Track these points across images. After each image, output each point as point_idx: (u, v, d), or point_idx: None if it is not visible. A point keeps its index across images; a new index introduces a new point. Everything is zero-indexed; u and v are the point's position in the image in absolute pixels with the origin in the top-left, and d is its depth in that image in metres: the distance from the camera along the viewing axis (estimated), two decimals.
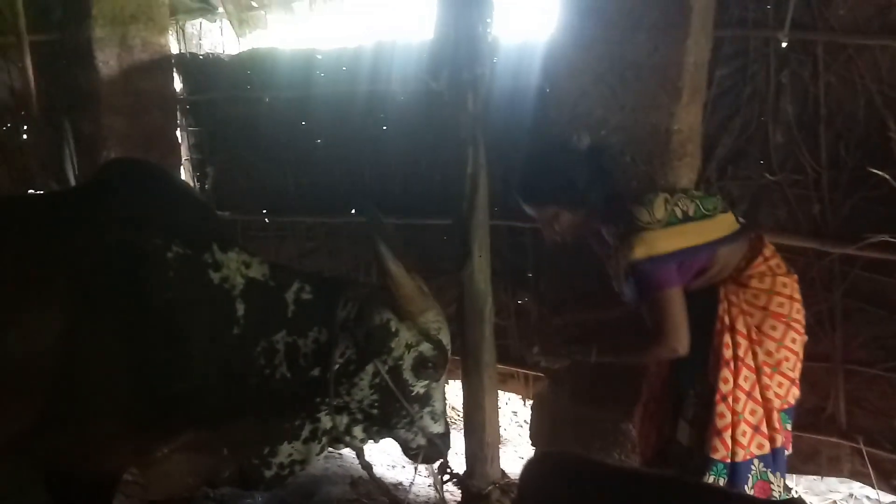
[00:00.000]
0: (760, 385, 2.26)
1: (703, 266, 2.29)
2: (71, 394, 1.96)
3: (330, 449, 3.78)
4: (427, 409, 2.19)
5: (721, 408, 2.22)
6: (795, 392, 2.34)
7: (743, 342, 2.25)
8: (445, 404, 2.28)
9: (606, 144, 2.22)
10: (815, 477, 3.09)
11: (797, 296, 2.34)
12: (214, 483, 2.33)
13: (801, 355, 2.33)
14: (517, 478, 2.45)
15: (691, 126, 2.75)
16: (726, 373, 2.24)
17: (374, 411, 2.14)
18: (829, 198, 2.75)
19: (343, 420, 2.16)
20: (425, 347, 2.12)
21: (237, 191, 4.42)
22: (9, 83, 4.06)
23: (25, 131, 4.17)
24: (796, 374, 2.33)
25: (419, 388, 2.14)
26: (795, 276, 2.38)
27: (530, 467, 1.66)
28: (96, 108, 4.17)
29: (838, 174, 2.72)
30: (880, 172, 2.46)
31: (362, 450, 2.26)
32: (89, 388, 1.98)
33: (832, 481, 3.17)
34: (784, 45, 2.72)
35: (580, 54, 2.78)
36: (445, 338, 2.17)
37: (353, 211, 4.10)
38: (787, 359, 2.28)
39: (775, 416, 2.27)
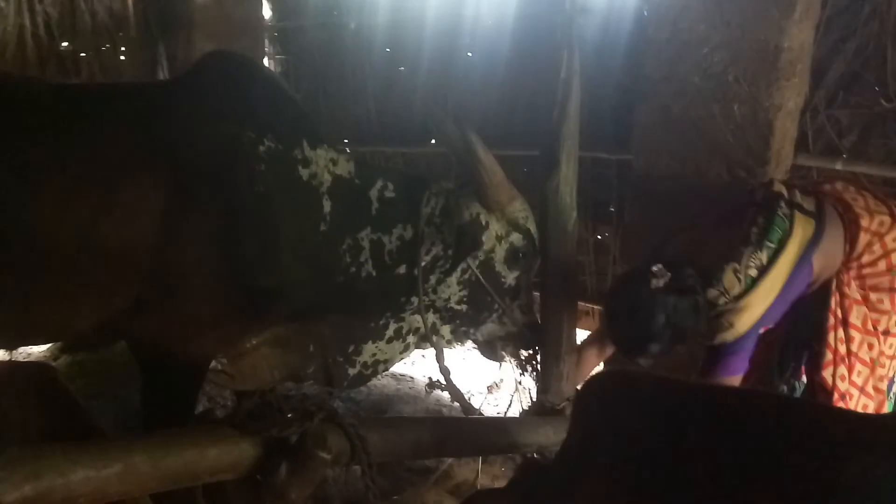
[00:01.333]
0: (875, 377, 2.14)
1: (806, 285, 2.13)
2: (165, 277, 2.01)
3: (401, 372, 3.91)
4: (517, 302, 2.23)
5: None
6: None
7: (857, 335, 2.12)
8: (534, 296, 2.29)
9: (684, 276, 2.00)
10: None
11: None
12: (299, 378, 2.38)
13: None
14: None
15: (802, 44, 2.57)
16: (843, 370, 2.12)
17: (463, 307, 2.13)
18: None
19: (430, 319, 2.16)
20: (515, 238, 2.12)
21: (320, 120, 4.45)
22: (108, 4, 4.19)
23: (123, 52, 4.30)
24: None
25: (510, 279, 2.15)
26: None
27: (589, 384, 1.56)
28: (189, 33, 4.26)
29: None
30: None
31: (443, 352, 2.24)
32: (182, 272, 2.03)
33: None
34: None
35: None
36: (533, 227, 2.17)
37: (432, 141, 4.08)
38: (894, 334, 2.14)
39: (885, 406, 2.16)
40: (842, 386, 2.11)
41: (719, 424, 1.25)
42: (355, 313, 2.21)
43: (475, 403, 3.44)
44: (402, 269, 2.11)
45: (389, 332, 2.23)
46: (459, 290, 2.12)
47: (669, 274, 2.01)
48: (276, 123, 2.12)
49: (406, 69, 4.03)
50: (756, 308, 2.07)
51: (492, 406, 3.27)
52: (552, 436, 2.14)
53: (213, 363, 2.26)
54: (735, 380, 2.11)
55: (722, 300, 2.05)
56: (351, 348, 2.25)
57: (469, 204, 2.09)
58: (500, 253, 2.13)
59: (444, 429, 1.90)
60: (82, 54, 4.17)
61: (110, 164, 1.99)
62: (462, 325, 2.23)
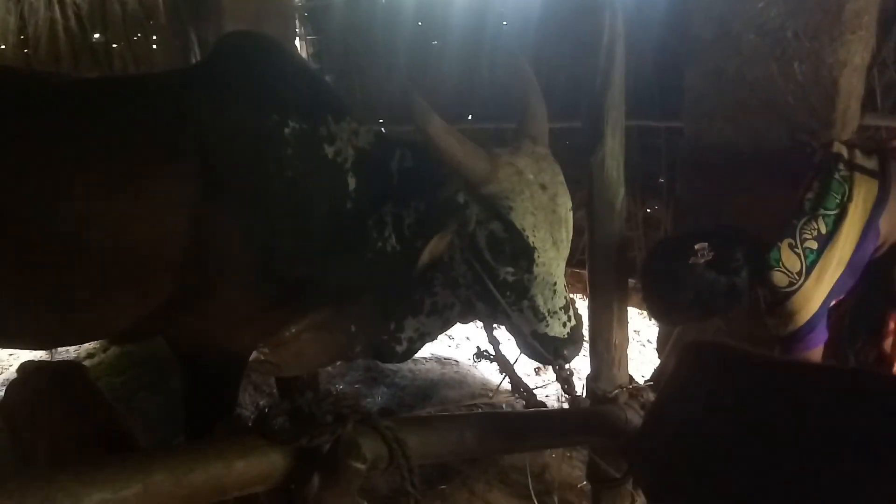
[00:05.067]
0: None
1: (874, 249, 1.98)
2: (200, 270, 1.96)
3: (445, 355, 3.83)
4: (526, 303, 1.91)
5: None
6: None
7: None
8: (557, 304, 1.92)
9: (731, 258, 1.90)
10: None
11: None
12: (347, 358, 2.34)
13: None
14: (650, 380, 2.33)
15: None
16: None
17: (478, 288, 1.94)
18: None
19: (461, 293, 2.03)
20: (496, 226, 1.85)
21: (354, 101, 4.35)
22: None
23: (154, 41, 4.27)
24: None
25: (505, 274, 1.89)
26: None
27: (685, 354, 1.52)
28: (219, 18, 4.18)
29: None
30: None
31: (490, 326, 2.12)
32: (218, 265, 1.98)
33: None
34: None
35: None
36: (522, 221, 1.83)
37: (468, 117, 3.94)
38: None
39: None
40: None
41: (802, 400, 1.35)
42: (389, 290, 2.12)
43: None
44: (420, 244, 1.97)
45: (427, 307, 2.13)
46: (466, 270, 1.94)
47: (713, 254, 1.92)
48: (299, 102, 2.04)
49: (438, 43, 3.89)
50: (825, 283, 1.93)
51: (540, 390, 3.16)
52: (604, 429, 2.03)
53: (255, 353, 2.23)
54: (817, 353, 2.00)
55: (785, 281, 1.90)
56: (393, 325, 2.17)
57: (452, 179, 1.89)
58: (482, 239, 1.88)
59: (488, 425, 1.80)
60: (114, 45, 4.15)
61: (139, 158, 1.94)
62: (488, 306, 1.98)
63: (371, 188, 2.07)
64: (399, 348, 2.21)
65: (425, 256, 1.85)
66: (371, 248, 2.09)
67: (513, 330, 1.99)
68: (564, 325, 1.93)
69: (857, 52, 2.38)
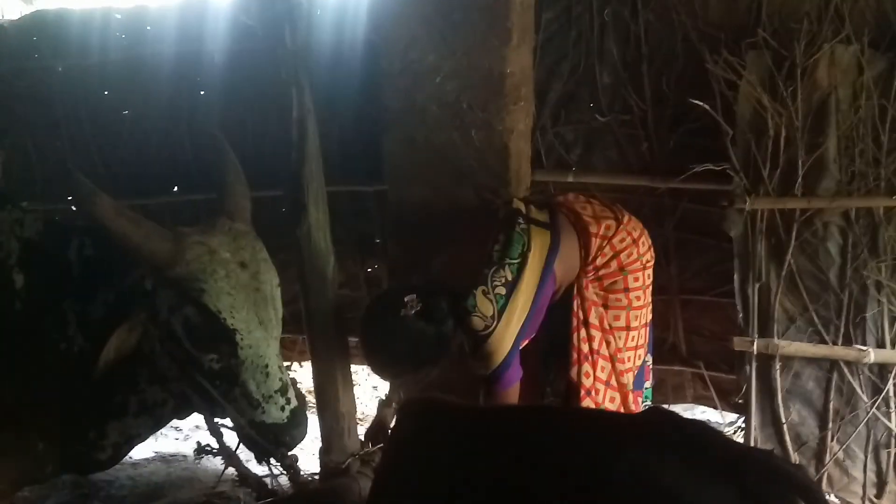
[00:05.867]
0: (616, 372, 2.29)
1: (553, 292, 2.25)
2: None
3: (171, 452, 3.48)
4: (237, 390, 1.78)
5: (586, 402, 2.23)
6: (641, 354, 2.37)
7: (597, 334, 2.26)
8: (272, 388, 1.81)
9: (435, 306, 2.07)
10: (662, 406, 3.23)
11: (635, 233, 2.34)
12: (39, 480, 2.01)
13: (648, 306, 2.35)
14: (366, 439, 2.36)
15: (523, 69, 2.71)
16: (587, 367, 2.25)
17: (188, 380, 1.81)
18: (655, 134, 2.84)
19: (172, 387, 1.86)
20: (190, 311, 1.75)
21: (32, 178, 3.84)
22: None
23: None
24: (644, 340, 2.36)
25: (209, 362, 1.77)
26: (624, 216, 2.35)
27: (400, 412, 1.58)
28: None
29: (663, 110, 2.81)
30: (700, 103, 2.55)
31: (210, 418, 1.96)
32: None
33: (677, 408, 3.34)
34: None
35: None
36: (217, 302, 1.73)
37: (174, 189, 3.71)
38: (633, 328, 2.30)
39: (630, 398, 2.31)
40: (587, 382, 2.25)
41: (507, 441, 1.49)
42: (82, 394, 1.88)
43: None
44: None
45: (133, 406, 1.94)
46: (169, 362, 1.81)
47: (421, 304, 2.07)
48: None
49: (130, 113, 3.62)
50: (514, 324, 2.14)
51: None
52: None
53: None
54: (515, 389, 2.19)
55: (482, 325, 2.09)
56: (93, 433, 1.94)
57: (138, 264, 1.77)
58: (179, 326, 1.75)
59: None
60: None
61: None
62: (203, 399, 1.84)
63: (44, 283, 1.85)
64: (103, 455, 1.98)
65: (109, 352, 1.68)
66: (52, 350, 1.85)
67: (232, 421, 1.86)
68: (283, 408, 1.83)
69: (520, 120, 2.74)
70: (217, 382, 1.79)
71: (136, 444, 2.07)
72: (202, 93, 3.50)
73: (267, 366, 1.82)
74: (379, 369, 2.22)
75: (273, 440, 1.83)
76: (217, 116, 3.39)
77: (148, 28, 3.44)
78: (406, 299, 2.05)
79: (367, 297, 3.55)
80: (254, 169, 3.28)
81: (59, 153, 3.76)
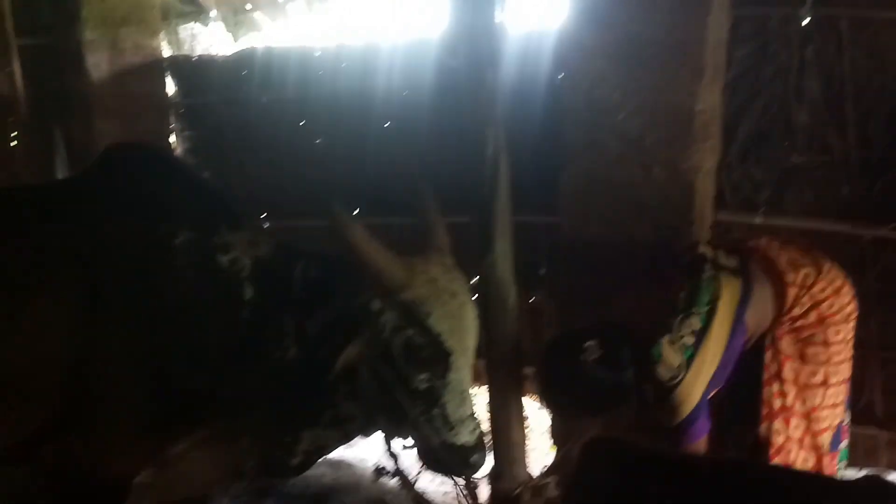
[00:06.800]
0: (811, 432, 2.17)
1: (743, 342, 2.16)
2: (85, 392, 1.89)
3: (336, 457, 3.68)
4: (436, 411, 1.90)
5: (776, 461, 2.13)
6: (839, 413, 2.21)
7: (791, 390, 2.15)
8: (466, 412, 1.93)
9: (619, 355, 2.04)
10: (853, 469, 2.97)
11: (837, 282, 2.18)
12: (239, 475, 2.22)
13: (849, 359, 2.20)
14: (548, 475, 2.36)
15: (713, 107, 2.65)
16: (778, 424, 2.15)
17: (383, 400, 1.93)
18: (858, 178, 2.65)
19: (364, 406, 2.00)
20: (412, 333, 1.87)
21: (239, 201, 4.26)
22: None
23: (14, 138, 4.00)
24: (843, 397, 2.21)
25: (418, 382, 1.88)
26: (824, 264, 2.21)
27: (583, 454, 1.59)
28: (88, 112, 4.02)
29: (868, 153, 2.62)
30: None
31: (390, 440, 2.09)
32: (103, 386, 1.90)
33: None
34: (805, 21, 2.64)
35: (595, 36, 2.68)
36: (439, 326, 1.87)
37: (355, 212, 3.98)
38: (832, 384, 2.15)
39: (826, 461, 2.18)
40: (778, 440, 2.13)
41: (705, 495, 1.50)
42: (287, 401, 2.06)
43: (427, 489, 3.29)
44: (323, 354, 1.95)
45: (326, 419, 2.09)
46: (370, 380, 1.93)
47: (602, 351, 2.04)
48: (191, 211, 2.03)
49: (323, 142, 3.94)
50: (703, 375, 2.06)
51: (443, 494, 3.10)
52: None
53: (140, 477, 2.10)
54: (702, 442, 2.11)
55: (668, 375, 2.03)
56: (288, 438, 2.11)
57: (366, 287, 1.90)
58: (397, 347, 1.87)
59: None
60: None
61: (17, 274, 1.87)
62: (393, 418, 1.97)
63: (269, 297, 2.03)
64: (294, 461, 2.13)
65: (340, 363, 1.84)
66: (269, 357, 2.03)
67: (419, 441, 1.97)
68: (472, 431, 1.93)
69: (707, 158, 2.68)
70: (418, 402, 1.90)
71: (323, 455, 2.22)
72: (386, 125, 3.74)
73: (464, 391, 1.93)
74: (556, 411, 2.23)
75: (461, 462, 1.92)
76: (403, 151, 3.60)
77: (344, 66, 3.74)
78: (586, 345, 2.04)
79: (528, 328, 3.61)
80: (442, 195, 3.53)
81: (257, 177, 4.17)
